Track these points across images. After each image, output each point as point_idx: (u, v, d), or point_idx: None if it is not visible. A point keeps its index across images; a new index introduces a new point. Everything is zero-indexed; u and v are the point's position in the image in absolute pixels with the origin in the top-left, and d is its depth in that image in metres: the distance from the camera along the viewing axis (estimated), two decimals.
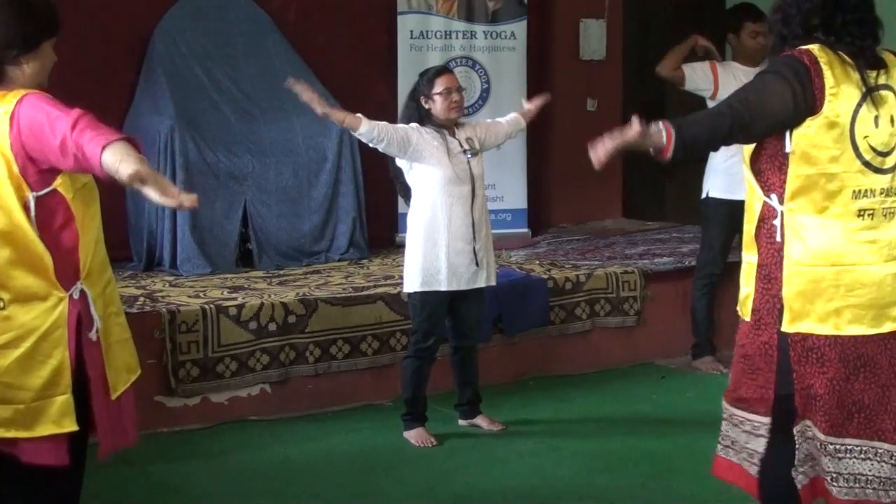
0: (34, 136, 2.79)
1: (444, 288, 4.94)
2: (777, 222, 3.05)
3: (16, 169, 2.83)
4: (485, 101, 7.85)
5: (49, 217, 2.89)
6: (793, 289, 3.03)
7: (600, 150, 2.93)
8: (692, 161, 3.15)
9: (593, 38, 8.41)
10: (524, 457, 4.94)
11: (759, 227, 3.12)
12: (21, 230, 2.85)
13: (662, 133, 2.95)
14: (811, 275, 3.01)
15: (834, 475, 3.05)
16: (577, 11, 8.40)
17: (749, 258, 3.18)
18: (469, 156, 4.97)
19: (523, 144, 7.85)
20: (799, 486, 3.08)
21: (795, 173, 2.99)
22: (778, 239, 3.05)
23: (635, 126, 2.91)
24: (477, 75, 7.85)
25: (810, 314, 3.01)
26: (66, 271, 2.92)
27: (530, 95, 5.39)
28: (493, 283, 5.12)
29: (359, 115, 4.84)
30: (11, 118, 2.82)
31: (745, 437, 3.17)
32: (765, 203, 3.09)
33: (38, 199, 2.86)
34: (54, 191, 2.88)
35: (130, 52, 6.88)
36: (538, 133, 8.05)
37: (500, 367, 6.01)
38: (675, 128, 2.96)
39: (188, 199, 2.68)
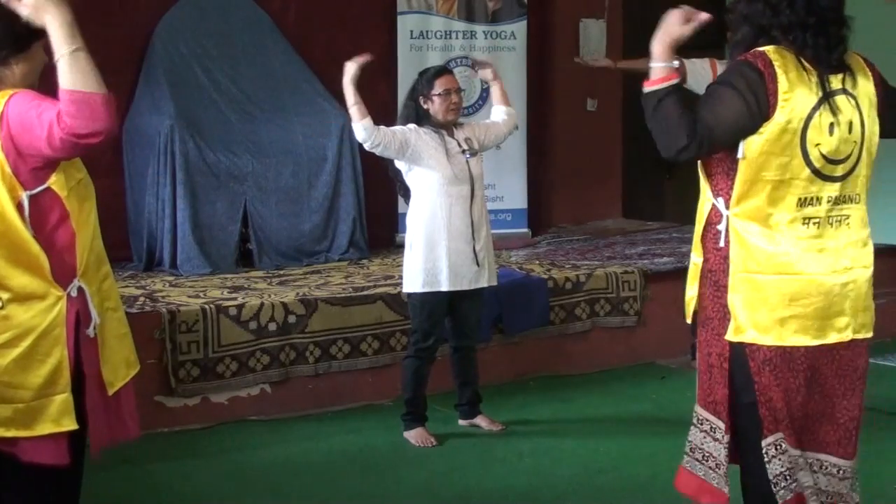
0: (24, 130, 2.78)
1: (445, 288, 4.93)
2: (722, 227, 2.98)
3: (8, 169, 2.81)
4: (485, 102, 7.84)
5: (43, 216, 2.87)
6: (738, 296, 2.95)
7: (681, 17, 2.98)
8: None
9: (593, 38, 8.41)
10: (524, 457, 4.94)
11: (705, 230, 3.05)
12: (15, 230, 2.84)
13: (672, 69, 2.91)
14: (755, 283, 2.92)
15: (812, 490, 2.96)
16: (577, 11, 8.40)
17: (696, 259, 3.11)
18: (468, 156, 4.97)
19: (523, 144, 7.85)
20: (780, 502, 2.96)
21: (742, 178, 2.90)
22: (722, 244, 2.98)
23: (701, 15, 2.92)
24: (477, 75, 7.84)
25: (752, 324, 2.93)
26: (63, 270, 2.91)
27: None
28: (493, 283, 5.13)
29: (367, 113, 4.80)
30: (1, 119, 2.81)
31: (713, 445, 3.09)
32: (713, 206, 3.02)
33: (31, 198, 2.84)
34: (48, 189, 2.87)
35: (130, 52, 6.88)
36: (538, 133, 8.05)
37: (500, 367, 6.01)
38: (677, 85, 2.89)
39: None
